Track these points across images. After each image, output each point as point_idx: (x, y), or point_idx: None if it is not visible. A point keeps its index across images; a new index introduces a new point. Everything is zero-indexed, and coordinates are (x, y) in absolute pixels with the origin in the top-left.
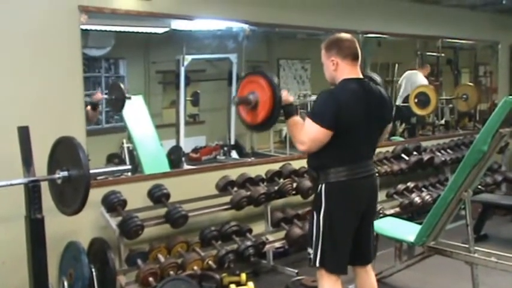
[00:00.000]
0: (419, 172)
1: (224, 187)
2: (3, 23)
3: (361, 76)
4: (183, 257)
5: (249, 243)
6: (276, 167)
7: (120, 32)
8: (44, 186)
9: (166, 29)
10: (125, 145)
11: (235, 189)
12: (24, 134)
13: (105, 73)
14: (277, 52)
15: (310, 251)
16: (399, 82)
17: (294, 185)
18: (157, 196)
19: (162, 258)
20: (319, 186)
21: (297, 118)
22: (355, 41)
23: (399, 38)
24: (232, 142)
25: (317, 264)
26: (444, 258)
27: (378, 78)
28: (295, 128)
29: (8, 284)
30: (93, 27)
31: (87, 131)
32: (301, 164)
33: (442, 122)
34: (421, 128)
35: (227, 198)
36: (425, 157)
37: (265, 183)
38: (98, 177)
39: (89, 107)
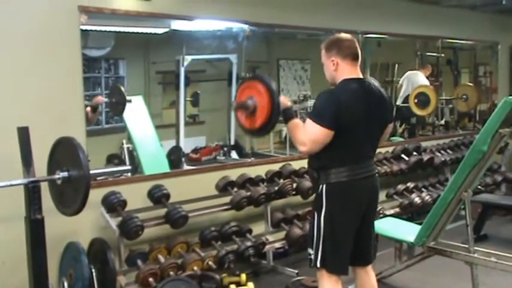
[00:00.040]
0: (419, 172)
1: (224, 187)
2: (3, 23)
3: (361, 76)
4: (183, 258)
5: (249, 243)
6: (276, 167)
7: (120, 32)
8: (44, 187)
9: (166, 30)
10: (125, 145)
11: (235, 189)
12: (24, 134)
13: (105, 73)
14: (277, 52)
15: (311, 251)
16: (400, 82)
17: (294, 185)
18: (157, 196)
19: (162, 259)
20: (320, 186)
21: (296, 120)
22: (355, 41)
23: (399, 38)
24: (232, 142)
25: (318, 265)
26: (444, 258)
27: (375, 84)
28: (296, 130)
29: (8, 284)
30: (93, 28)
31: (87, 132)
32: (301, 164)
33: (442, 122)
34: (421, 129)
35: (227, 199)
36: (425, 157)
37: (265, 184)
38: (98, 178)
39: (88, 108)
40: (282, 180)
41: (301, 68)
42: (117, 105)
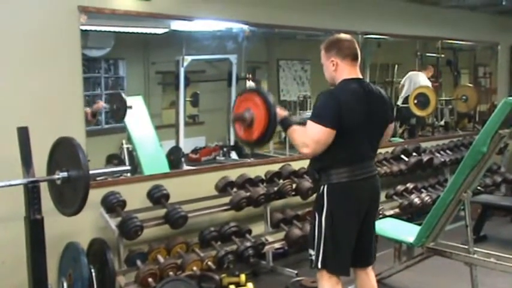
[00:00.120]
0: (419, 173)
1: (224, 188)
2: (3, 23)
3: (360, 76)
4: (183, 258)
5: (248, 244)
6: (275, 167)
7: (119, 32)
8: (44, 187)
9: (166, 30)
10: (125, 146)
11: (235, 190)
12: (23, 134)
13: (104, 74)
14: (277, 53)
15: (312, 252)
16: (402, 82)
17: (294, 185)
18: (157, 197)
19: (161, 259)
20: (321, 187)
21: (295, 126)
22: (355, 42)
23: (399, 39)
24: (232, 143)
25: (319, 266)
26: (443, 259)
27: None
28: (296, 133)
29: (8, 284)
30: (93, 28)
31: (87, 132)
32: (300, 164)
33: (442, 123)
34: (420, 129)
35: (227, 199)
36: (425, 158)
37: (264, 184)
38: (98, 178)
39: (88, 110)
40: (281, 181)
41: (301, 69)
42: (118, 111)
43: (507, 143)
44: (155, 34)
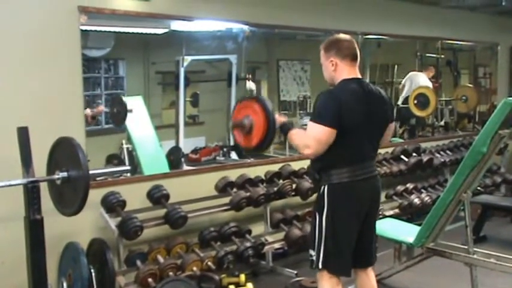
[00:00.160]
0: (419, 173)
1: (223, 188)
2: (3, 23)
3: (360, 76)
4: (182, 258)
5: (248, 244)
6: (275, 168)
7: (119, 32)
8: (43, 187)
9: (166, 30)
10: (125, 146)
11: (235, 190)
12: (23, 134)
13: (104, 74)
14: (276, 53)
15: (313, 253)
16: (402, 82)
17: (294, 186)
18: (157, 197)
19: (161, 259)
20: (322, 187)
21: (295, 130)
22: (354, 42)
23: (399, 39)
24: (232, 143)
25: (320, 266)
26: (443, 259)
27: None
28: (297, 136)
29: (7, 284)
30: (93, 28)
31: (87, 132)
32: (300, 165)
33: (442, 123)
34: (420, 130)
35: (226, 199)
36: (425, 158)
37: (264, 184)
38: (98, 178)
39: (88, 111)
40: (281, 181)
41: (301, 69)
42: (119, 115)
43: (507, 144)
44: (155, 34)
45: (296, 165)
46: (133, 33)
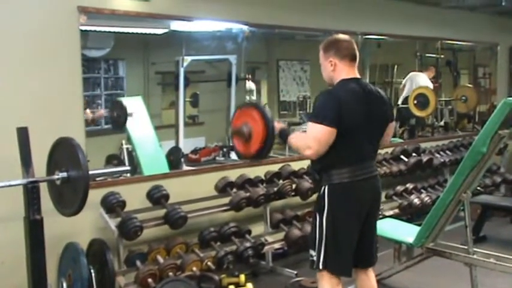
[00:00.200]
0: (419, 173)
1: (223, 188)
2: (3, 23)
3: (359, 76)
4: (182, 258)
5: (248, 244)
6: (275, 168)
7: (119, 33)
8: (43, 187)
9: (166, 30)
10: (124, 146)
11: (235, 190)
12: (23, 134)
13: (104, 74)
14: (276, 53)
15: (313, 253)
16: (403, 82)
17: (293, 186)
18: (157, 197)
19: (161, 259)
20: (322, 187)
21: (293, 133)
22: (353, 42)
23: (399, 40)
24: (232, 143)
25: (320, 267)
26: (443, 259)
27: None
28: (297, 139)
29: (7, 285)
30: (93, 28)
31: (86, 132)
32: (300, 165)
33: (441, 123)
34: (420, 130)
35: (226, 199)
36: (425, 158)
37: (264, 185)
38: (97, 178)
39: (89, 116)
40: (281, 181)
41: (301, 69)
42: (119, 119)
43: (507, 144)
44: (155, 34)
45: (296, 166)
46: (133, 33)
